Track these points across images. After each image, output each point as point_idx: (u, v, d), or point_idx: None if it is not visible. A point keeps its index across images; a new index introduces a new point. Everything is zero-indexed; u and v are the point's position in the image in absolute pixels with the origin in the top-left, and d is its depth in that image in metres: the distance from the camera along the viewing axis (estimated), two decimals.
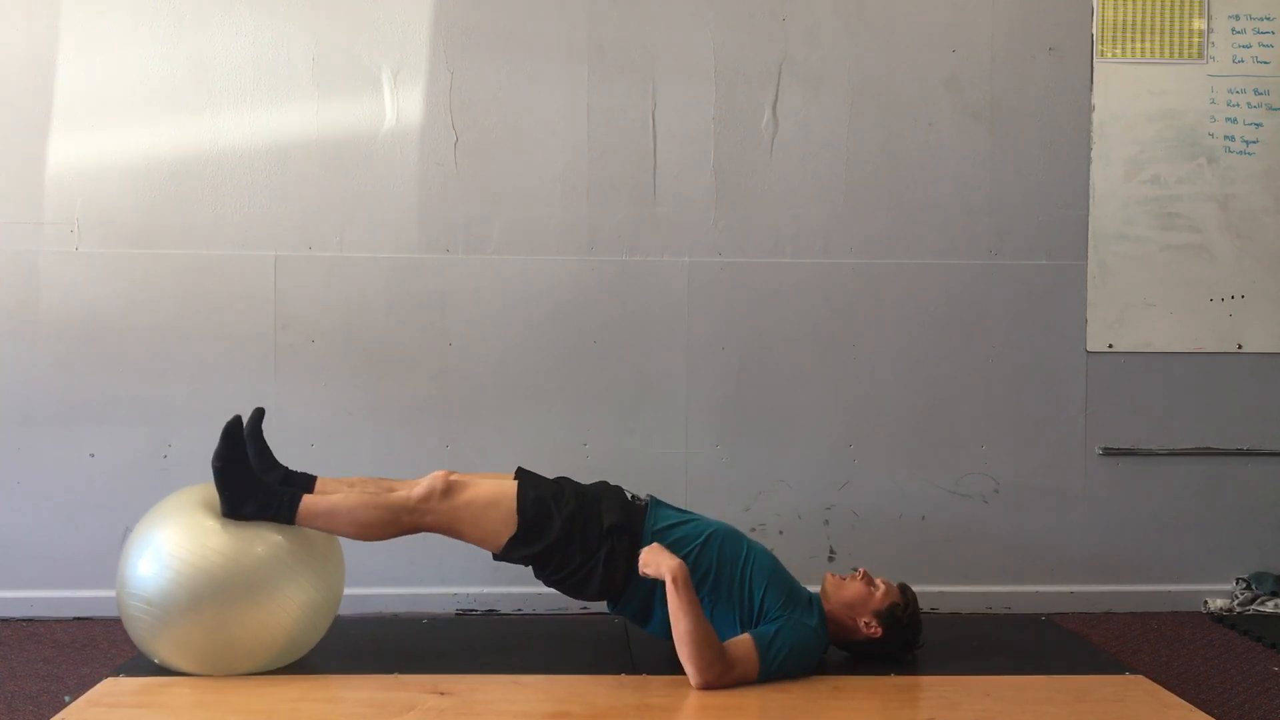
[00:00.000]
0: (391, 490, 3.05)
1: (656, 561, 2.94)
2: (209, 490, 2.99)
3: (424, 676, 2.96)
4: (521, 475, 3.14)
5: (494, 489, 3.05)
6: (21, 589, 3.79)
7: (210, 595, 2.84)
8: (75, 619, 3.77)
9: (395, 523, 2.99)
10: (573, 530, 3.02)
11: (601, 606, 3.78)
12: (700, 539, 3.08)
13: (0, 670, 3.28)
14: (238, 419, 3.00)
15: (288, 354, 3.88)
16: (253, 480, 2.97)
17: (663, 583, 2.99)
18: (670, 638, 3.03)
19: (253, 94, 3.86)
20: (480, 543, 3.05)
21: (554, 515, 3.03)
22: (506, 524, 3.01)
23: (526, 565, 3.09)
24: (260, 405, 3.14)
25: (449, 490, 2.99)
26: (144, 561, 2.87)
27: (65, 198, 3.82)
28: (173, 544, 2.87)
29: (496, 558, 3.08)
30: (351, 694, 2.86)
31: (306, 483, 3.11)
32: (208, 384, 3.85)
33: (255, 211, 3.87)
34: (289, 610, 2.92)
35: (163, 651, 2.92)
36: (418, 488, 3.00)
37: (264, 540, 2.92)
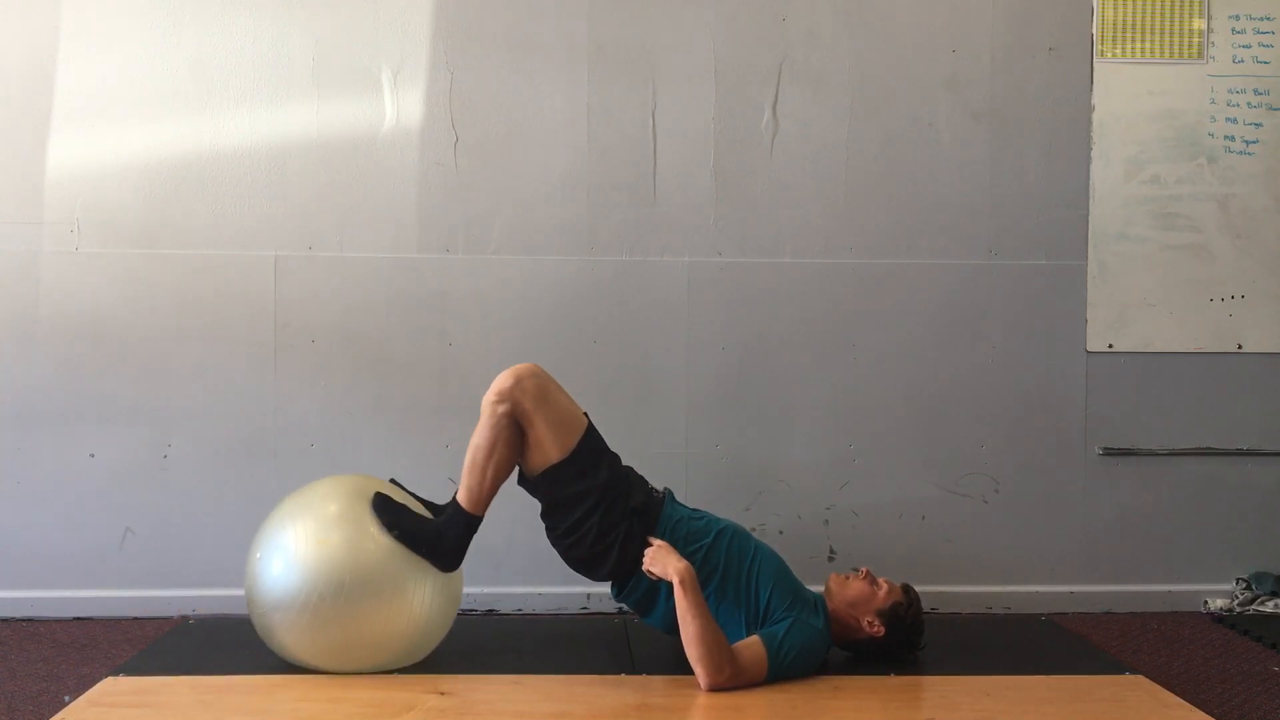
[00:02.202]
0: None
1: (664, 562, 2.95)
2: (339, 483, 3.08)
3: (424, 676, 2.96)
4: (589, 421, 3.16)
5: (569, 409, 3.11)
6: (21, 589, 3.79)
7: (338, 593, 2.90)
8: (75, 619, 3.77)
9: (497, 421, 3.02)
10: (604, 495, 3.06)
11: (602, 606, 3.80)
12: (710, 536, 3.10)
13: (0, 670, 3.28)
14: (378, 494, 3.04)
15: (288, 354, 3.88)
16: (429, 528, 3.04)
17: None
18: (671, 632, 3.06)
19: (253, 94, 3.86)
20: (533, 449, 3.06)
21: (602, 469, 3.08)
22: (562, 447, 3.05)
23: (542, 504, 3.12)
24: (392, 477, 3.22)
25: (521, 374, 3.03)
26: (275, 560, 2.94)
27: (65, 198, 3.82)
28: (299, 541, 2.94)
29: (522, 480, 3.12)
30: (351, 694, 2.86)
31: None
32: (208, 384, 3.85)
33: (255, 211, 3.86)
34: (414, 609, 2.98)
35: (290, 647, 2.97)
36: (494, 382, 3.05)
37: (377, 541, 2.97)
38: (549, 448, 3.05)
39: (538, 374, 3.07)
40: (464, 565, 3.86)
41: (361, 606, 2.92)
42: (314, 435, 3.85)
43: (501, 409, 3.02)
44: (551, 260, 3.93)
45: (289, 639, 2.96)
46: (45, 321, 3.82)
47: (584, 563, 3.12)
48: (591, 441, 3.10)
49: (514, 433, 3.05)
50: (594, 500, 3.05)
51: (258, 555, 3.00)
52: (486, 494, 3.07)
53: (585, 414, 3.17)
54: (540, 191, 3.92)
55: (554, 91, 3.91)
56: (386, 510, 3.02)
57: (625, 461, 3.24)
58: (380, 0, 3.87)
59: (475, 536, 3.86)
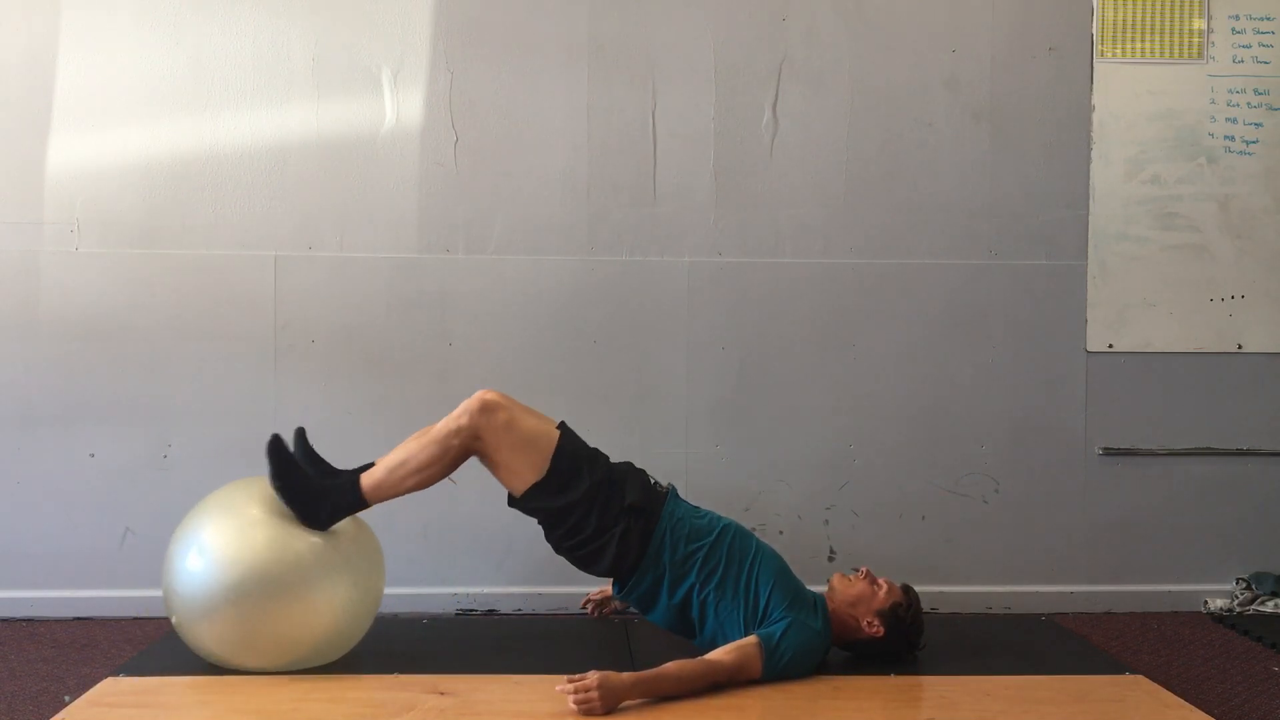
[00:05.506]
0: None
1: (589, 700, 2.73)
2: (257, 484, 3.06)
3: (424, 676, 2.96)
4: (564, 428, 3.14)
5: (536, 428, 3.07)
6: (21, 589, 3.79)
7: (254, 589, 2.89)
8: (75, 619, 3.77)
9: (446, 450, 3.00)
10: (595, 497, 3.04)
11: None
12: (712, 535, 3.11)
13: (0, 670, 3.28)
14: (276, 437, 3.04)
15: (288, 354, 3.88)
16: (314, 486, 3.02)
17: (668, 574, 3.03)
18: (672, 630, 3.13)
19: (253, 94, 3.86)
20: (508, 475, 3.05)
21: (583, 476, 3.05)
22: (537, 467, 3.03)
23: (537, 518, 3.11)
24: (300, 425, 3.19)
25: (486, 407, 3.01)
26: (191, 556, 2.95)
27: (65, 198, 3.82)
28: (217, 538, 2.94)
29: (512, 502, 3.10)
30: (351, 694, 2.86)
31: (364, 468, 3.13)
32: (208, 384, 3.85)
33: (255, 211, 3.87)
34: (330, 607, 2.97)
35: (206, 642, 2.96)
36: (457, 410, 3.03)
37: (304, 538, 2.97)
38: (524, 471, 3.03)
39: (500, 405, 3.03)
40: (464, 565, 3.88)
41: (270, 605, 2.92)
42: (314, 435, 3.81)
43: (455, 441, 3.00)
44: (551, 260, 3.92)
45: (200, 635, 2.98)
46: (45, 321, 3.82)
47: (581, 561, 3.13)
48: (566, 455, 3.06)
49: (455, 461, 3.04)
50: (584, 507, 3.04)
51: (178, 546, 3.01)
52: (391, 495, 3.05)
53: (560, 425, 3.14)
54: (540, 191, 3.92)
55: (554, 91, 3.91)
56: (277, 457, 3.01)
57: (625, 460, 3.24)
58: (380, 0, 3.88)
59: (474, 536, 3.89)
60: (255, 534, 2.94)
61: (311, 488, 3.02)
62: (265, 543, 2.93)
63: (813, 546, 3.97)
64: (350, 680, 2.95)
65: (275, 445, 3.03)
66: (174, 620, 3.02)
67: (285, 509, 3.01)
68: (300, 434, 3.15)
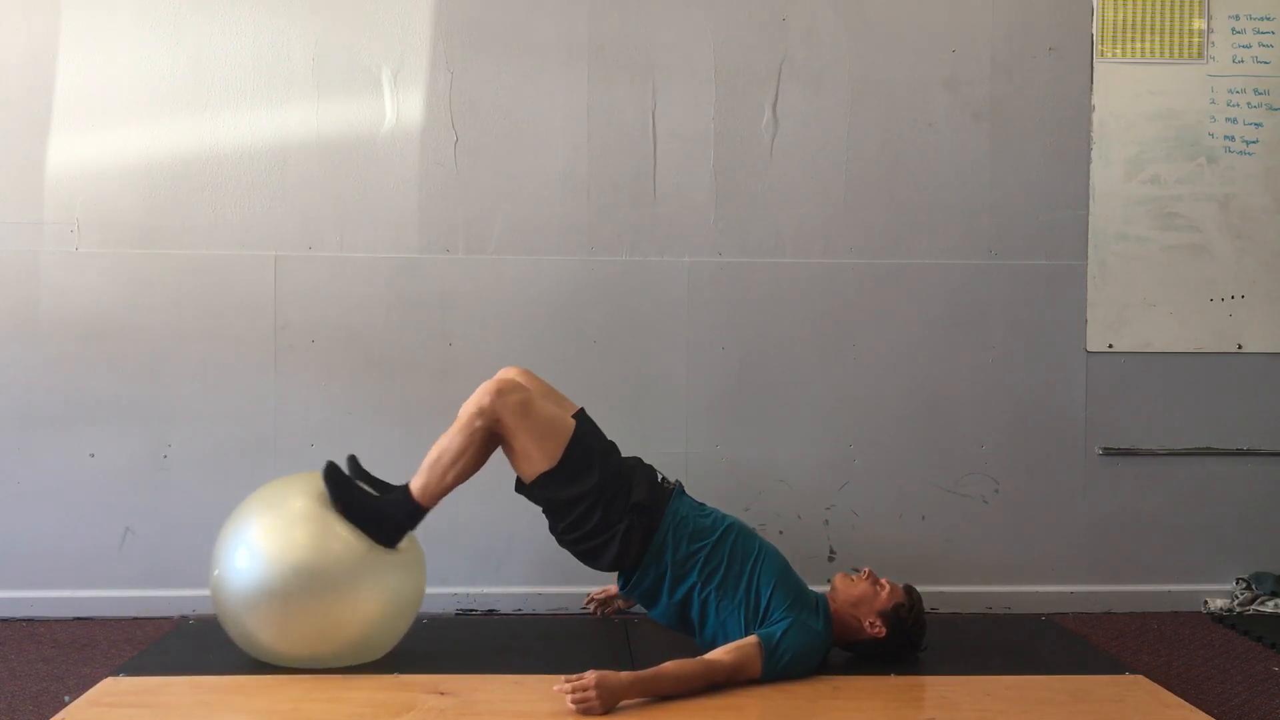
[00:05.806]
0: None
1: (588, 702, 2.73)
2: (306, 481, 3.08)
3: (424, 676, 2.96)
4: (580, 419, 3.15)
5: (552, 415, 3.08)
6: (21, 589, 3.79)
7: (299, 583, 2.92)
8: (75, 619, 3.77)
9: (472, 435, 3.00)
10: (602, 493, 3.04)
11: None
12: (715, 534, 3.11)
13: (0, 670, 3.28)
14: (331, 463, 3.04)
15: (288, 354, 3.88)
16: (375, 504, 3.03)
17: (669, 572, 3.03)
18: (673, 627, 3.14)
19: (253, 94, 3.86)
20: (520, 459, 3.05)
21: (594, 469, 3.05)
22: (549, 455, 3.03)
23: (542, 507, 3.11)
24: (351, 453, 3.21)
25: (502, 389, 3.00)
26: (239, 553, 2.98)
27: (65, 198, 3.82)
28: (262, 535, 2.97)
29: (519, 488, 3.10)
30: (351, 694, 2.86)
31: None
32: (208, 384, 3.85)
33: (255, 211, 3.86)
34: (372, 605, 3.00)
35: (252, 631, 2.99)
36: (477, 391, 3.03)
37: (341, 538, 2.98)
38: (536, 458, 3.03)
39: (519, 387, 3.04)
40: (464, 565, 3.88)
41: (314, 601, 2.94)
42: (314, 435, 3.85)
43: (479, 424, 2.99)
44: (551, 260, 3.92)
45: (251, 630, 2.99)
46: (45, 321, 3.82)
47: (585, 555, 3.13)
48: (580, 446, 3.07)
49: (485, 444, 3.04)
50: (590, 501, 3.04)
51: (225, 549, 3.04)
52: (440, 493, 3.05)
53: (578, 412, 3.15)
54: (540, 191, 3.92)
55: (554, 91, 3.91)
56: (334, 481, 3.01)
57: (634, 455, 3.24)
58: (380, 0, 3.88)
59: (474, 536, 3.89)
60: (295, 530, 2.97)
61: (372, 506, 3.03)
62: (307, 538, 2.95)
63: (813, 546, 3.97)
64: (350, 680, 2.95)
65: (331, 471, 3.03)
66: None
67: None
68: (352, 460, 3.16)
